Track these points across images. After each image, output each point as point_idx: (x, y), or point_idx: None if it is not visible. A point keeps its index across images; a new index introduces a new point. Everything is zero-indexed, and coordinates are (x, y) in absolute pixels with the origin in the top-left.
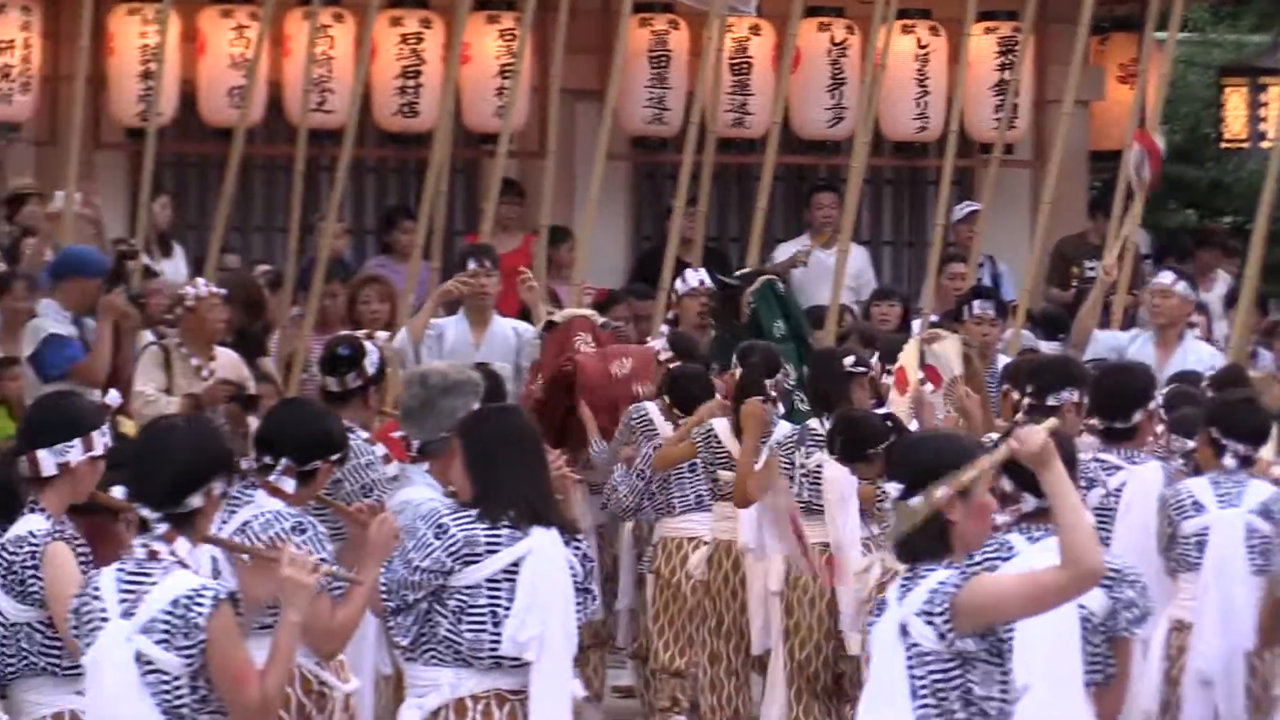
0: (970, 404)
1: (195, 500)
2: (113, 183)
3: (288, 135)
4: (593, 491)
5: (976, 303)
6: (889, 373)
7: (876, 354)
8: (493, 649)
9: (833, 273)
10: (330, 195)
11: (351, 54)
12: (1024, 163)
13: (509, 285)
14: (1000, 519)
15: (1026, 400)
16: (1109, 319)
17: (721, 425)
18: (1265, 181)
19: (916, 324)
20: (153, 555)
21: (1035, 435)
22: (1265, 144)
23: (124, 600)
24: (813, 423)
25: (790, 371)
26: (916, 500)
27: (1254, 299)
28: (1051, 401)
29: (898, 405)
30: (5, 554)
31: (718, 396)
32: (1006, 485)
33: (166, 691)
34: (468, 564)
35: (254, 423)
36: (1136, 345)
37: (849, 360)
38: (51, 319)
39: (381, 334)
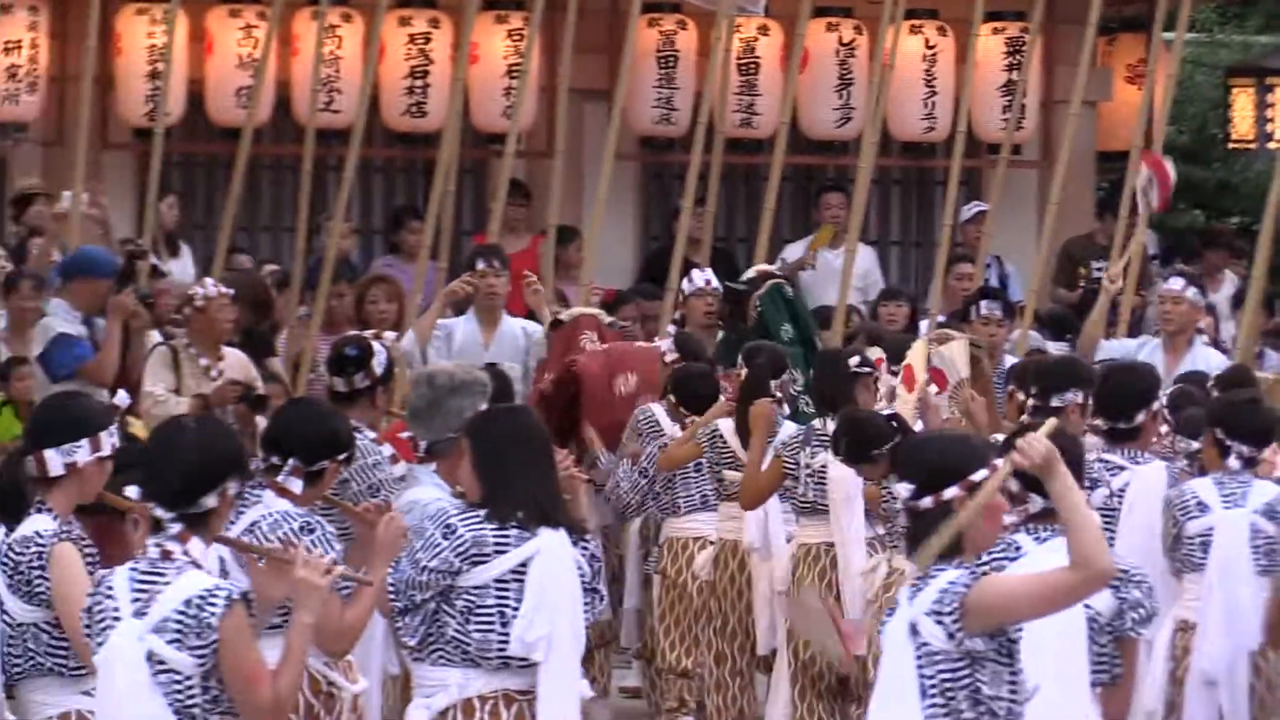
0: (975, 407)
1: (209, 500)
2: (120, 183)
3: (295, 135)
4: (597, 492)
5: (984, 303)
6: (894, 374)
7: (882, 351)
8: (501, 649)
9: (840, 273)
10: (338, 195)
11: (359, 54)
12: (1031, 163)
13: (516, 287)
14: (1008, 519)
15: (1031, 401)
16: (1116, 319)
17: (727, 426)
18: (1272, 182)
19: (924, 324)
20: (166, 555)
21: (1036, 446)
22: (1272, 144)
23: (136, 600)
24: (817, 423)
25: (797, 376)
26: (934, 540)
27: (1261, 300)
28: (1056, 402)
29: (905, 402)
30: (12, 554)
31: (723, 397)
32: (1013, 485)
33: (178, 691)
34: (476, 564)
35: (262, 423)
36: (1145, 352)
37: (854, 361)
38: (61, 319)
39: (389, 334)
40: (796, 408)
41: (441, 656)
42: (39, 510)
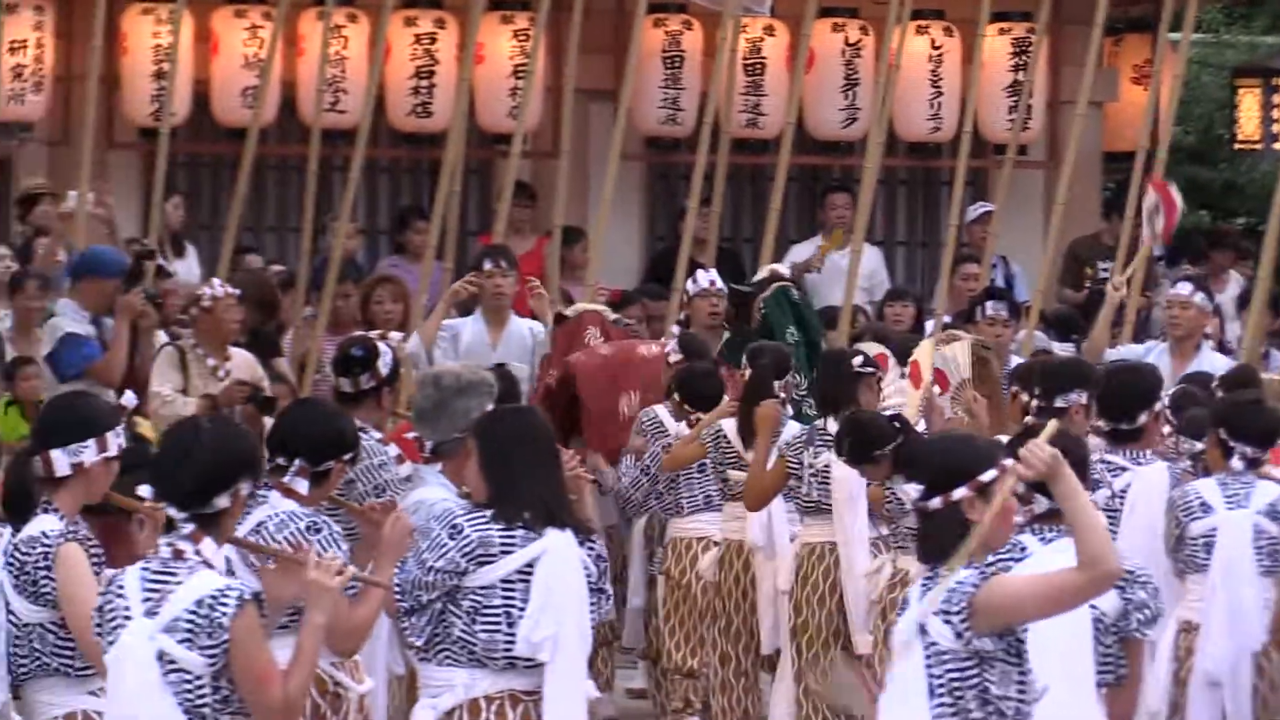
0: (977, 408)
1: (222, 500)
2: (125, 183)
3: (301, 135)
4: (601, 493)
5: (989, 304)
6: (903, 375)
7: (882, 347)
8: (507, 650)
9: (846, 273)
10: (343, 195)
11: (365, 54)
12: (1038, 163)
13: (521, 288)
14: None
15: (1035, 402)
16: (1122, 319)
17: (731, 426)
18: (1278, 182)
19: (930, 324)
20: (178, 554)
21: (1039, 455)
22: (1278, 145)
23: (147, 599)
24: (820, 422)
25: (800, 379)
26: (960, 553)
27: (1267, 300)
28: (1060, 403)
29: (911, 398)
30: (18, 555)
31: (725, 397)
32: (1019, 486)
33: (188, 691)
34: (482, 564)
35: (269, 424)
36: (1152, 357)
37: (857, 361)
38: (70, 318)
39: (394, 334)
40: (800, 409)
41: (448, 657)
42: (45, 510)
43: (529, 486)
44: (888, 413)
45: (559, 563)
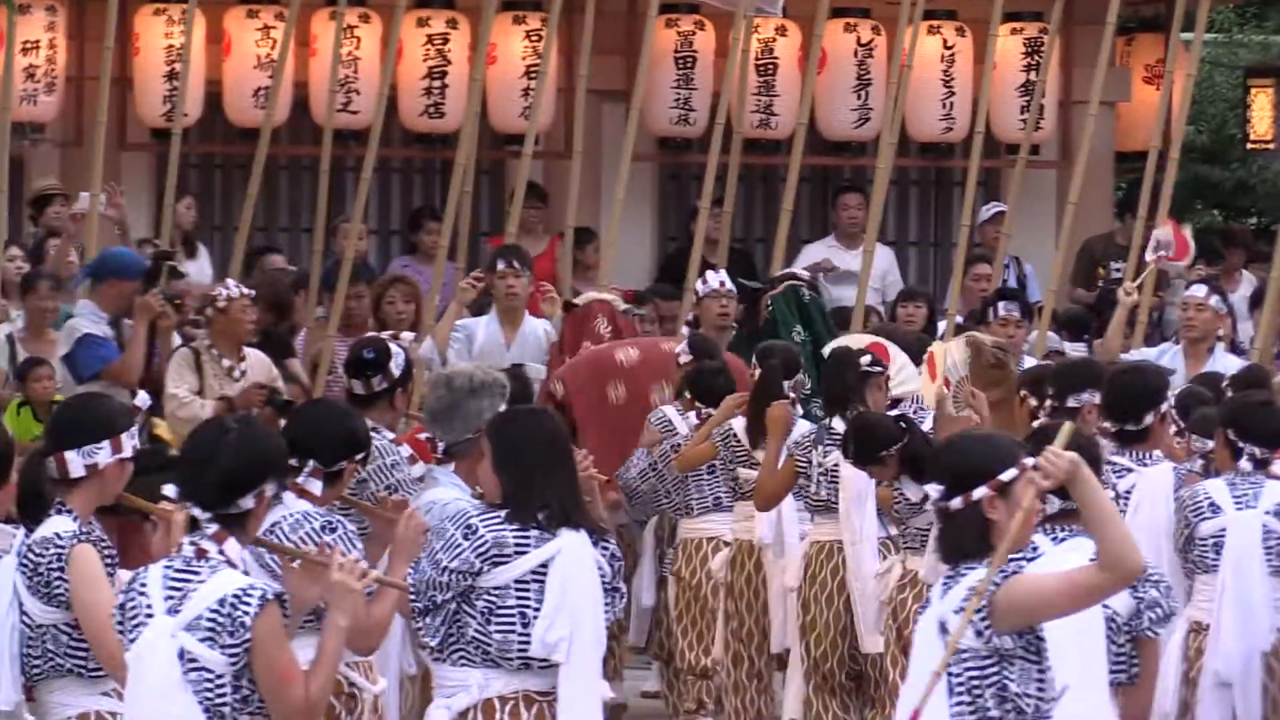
0: (977, 404)
1: (247, 501)
2: (137, 183)
3: (313, 136)
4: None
5: (1001, 304)
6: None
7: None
8: (521, 650)
9: (858, 274)
10: (355, 196)
11: (377, 55)
12: (1050, 163)
13: (534, 290)
14: None
15: (1048, 402)
16: (1134, 319)
17: (741, 425)
18: None
19: (942, 325)
20: (201, 554)
21: (1059, 464)
22: None
23: (170, 597)
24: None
25: (806, 381)
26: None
27: (1279, 300)
28: (1072, 403)
29: (927, 390)
30: (32, 555)
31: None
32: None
33: (209, 690)
34: (496, 565)
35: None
36: (1166, 359)
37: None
38: (88, 320)
39: (407, 335)
40: (809, 409)
41: (462, 657)
42: (59, 511)
43: (543, 487)
44: (893, 412)
45: (573, 563)
